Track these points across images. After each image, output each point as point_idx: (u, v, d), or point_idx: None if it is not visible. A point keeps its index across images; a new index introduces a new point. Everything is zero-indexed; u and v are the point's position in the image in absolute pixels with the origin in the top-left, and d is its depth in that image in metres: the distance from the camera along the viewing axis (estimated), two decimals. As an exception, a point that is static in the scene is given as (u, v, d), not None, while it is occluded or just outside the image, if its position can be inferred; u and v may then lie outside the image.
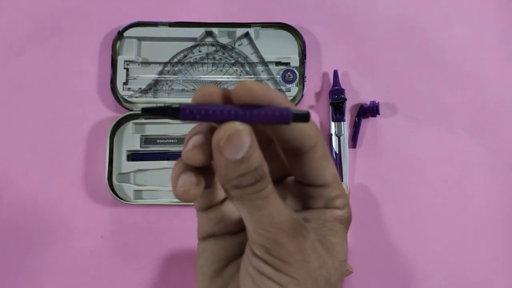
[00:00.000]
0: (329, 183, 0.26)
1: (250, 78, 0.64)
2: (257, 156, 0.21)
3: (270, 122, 0.22)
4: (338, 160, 0.62)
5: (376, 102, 0.62)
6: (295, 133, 0.24)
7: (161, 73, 0.64)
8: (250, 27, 0.64)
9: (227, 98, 0.22)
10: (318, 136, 0.25)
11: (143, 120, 0.62)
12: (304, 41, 0.64)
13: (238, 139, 0.21)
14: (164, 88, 0.64)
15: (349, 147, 0.62)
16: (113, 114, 0.63)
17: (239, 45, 0.64)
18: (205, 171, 0.23)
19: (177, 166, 0.23)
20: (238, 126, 0.21)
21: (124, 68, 0.63)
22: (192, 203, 0.28)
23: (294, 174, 0.26)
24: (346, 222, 0.26)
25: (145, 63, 0.64)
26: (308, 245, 0.23)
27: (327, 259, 0.24)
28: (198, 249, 0.27)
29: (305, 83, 0.63)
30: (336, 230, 0.25)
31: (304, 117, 0.22)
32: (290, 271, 0.22)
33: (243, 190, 0.22)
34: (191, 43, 0.64)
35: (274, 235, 0.22)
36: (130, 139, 0.62)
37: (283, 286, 0.22)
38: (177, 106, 0.21)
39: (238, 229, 0.27)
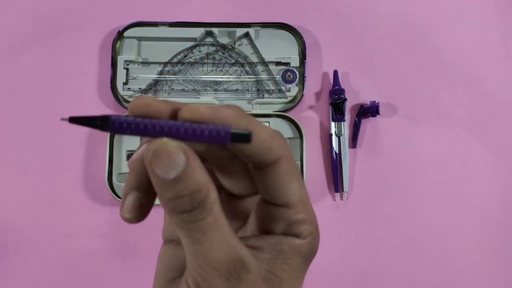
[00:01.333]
0: (292, 203, 0.23)
1: (250, 78, 0.64)
2: (196, 179, 0.20)
3: (207, 141, 0.20)
4: (338, 160, 0.62)
5: (376, 102, 0.62)
6: (255, 147, 0.22)
7: (161, 73, 0.64)
8: (250, 27, 0.64)
9: (167, 112, 0.21)
10: (282, 149, 0.23)
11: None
12: (304, 41, 0.64)
13: (167, 156, 0.19)
14: (164, 88, 0.64)
15: (349, 147, 0.62)
16: (113, 114, 0.63)
17: (239, 45, 0.64)
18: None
19: (128, 180, 0.22)
20: (166, 142, 0.20)
21: (124, 68, 0.63)
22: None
23: (259, 191, 0.24)
24: (307, 254, 0.23)
25: (145, 63, 0.64)
26: None
27: None
28: (160, 252, 0.26)
29: (305, 83, 0.63)
30: (290, 264, 0.23)
31: (244, 137, 0.20)
32: None
33: (179, 216, 0.20)
34: (191, 43, 0.64)
35: (206, 273, 0.20)
36: (130, 139, 0.62)
37: None
38: (106, 117, 0.20)
39: None
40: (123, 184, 0.61)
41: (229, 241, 0.21)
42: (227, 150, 0.23)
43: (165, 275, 0.24)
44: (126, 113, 0.21)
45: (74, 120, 0.20)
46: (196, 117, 0.20)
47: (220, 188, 0.25)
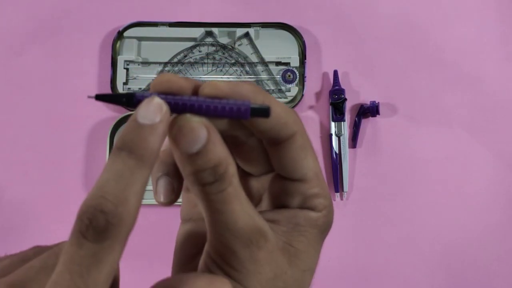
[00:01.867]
0: (307, 178, 0.24)
1: (250, 78, 0.64)
2: (217, 153, 0.21)
3: (228, 116, 0.21)
4: (338, 160, 0.62)
5: (376, 102, 0.62)
6: (272, 123, 0.22)
7: (161, 73, 0.64)
8: (250, 27, 0.64)
9: (189, 89, 0.22)
10: (296, 125, 0.23)
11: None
12: (304, 41, 0.64)
13: (191, 132, 0.20)
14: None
15: (349, 147, 0.62)
16: (113, 114, 0.63)
17: (239, 45, 0.64)
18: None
19: (155, 167, 0.23)
20: (190, 118, 0.20)
21: (124, 68, 0.63)
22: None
23: (274, 166, 0.25)
24: (322, 227, 0.24)
25: (145, 63, 0.64)
26: (263, 255, 0.22)
27: (286, 268, 0.23)
28: (178, 232, 0.27)
29: (305, 83, 0.63)
30: (307, 236, 0.23)
31: (263, 112, 0.21)
32: (239, 278, 0.22)
33: (202, 188, 0.21)
34: (191, 43, 0.64)
35: (227, 241, 0.21)
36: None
37: None
38: (131, 94, 0.21)
39: None
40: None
41: (248, 211, 0.22)
42: (243, 129, 0.23)
43: (185, 252, 0.25)
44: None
45: (100, 97, 0.21)
46: (216, 93, 0.21)
47: (236, 167, 0.26)
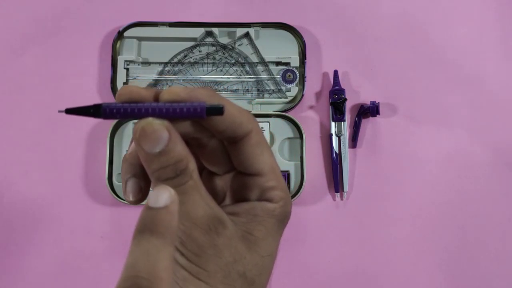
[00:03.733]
0: (263, 172, 0.26)
1: (250, 78, 0.64)
2: (178, 151, 0.23)
3: (187, 117, 0.23)
4: (338, 160, 0.62)
5: (376, 102, 0.62)
6: (227, 123, 0.24)
7: (161, 73, 0.64)
8: (250, 27, 0.64)
9: (150, 97, 0.24)
10: (251, 123, 0.25)
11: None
12: (304, 41, 0.64)
13: (153, 133, 0.22)
14: (164, 88, 0.63)
15: (349, 147, 0.62)
16: (113, 114, 0.63)
17: (239, 45, 0.64)
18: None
19: (124, 167, 0.26)
20: (152, 121, 0.23)
21: (124, 68, 0.63)
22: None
23: (234, 163, 0.27)
24: (280, 217, 0.26)
25: (145, 63, 0.64)
26: (221, 241, 0.24)
27: (245, 254, 0.25)
28: None
29: (305, 83, 0.63)
30: (265, 225, 0.26)
31: (218, 110, 0.23)
32: (200, 263, 0.24)
33: (164, 183, 0.23)
34: (191, 43, 0.64)
35: (188, 229, 0.23)
36: (130, 140, 0.62)
37: (193, 276, 0.23)
38: (98, 105, 0.23)
39: None
40: (123, 184, 0.61)
41: (207, 202, 0.24)
42: (204, 131, 0.26)
43: None
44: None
45: (70, 111, 0.24)
46: (175, 97, 0.23)
47: (202, 169, 0.28)
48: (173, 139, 0.23)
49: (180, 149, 0.23)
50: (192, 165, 0.23)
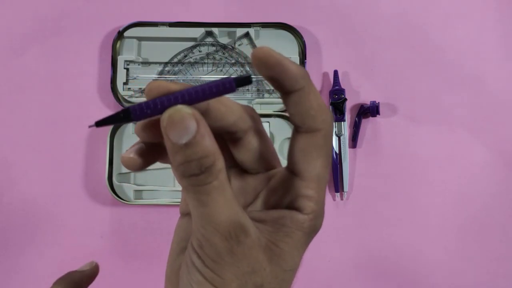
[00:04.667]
0: (307, 176, 0.24)
1: (250, 78, 0.64)
2: (205, 145, 0.21)
3: (218, 93, 0.22)
4: (338, 160, 0.62)
5: (376, 102, 0.62)
6: (304, 108, 0.23)
7: (161, 73, 0.64)
8: (250, 27, 0.64)
9: (178, 90, 0.23)
10: (324, 124, 0.24)
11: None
12: (304, 41, 0.64)
13: (181, 122, 0.21)
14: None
15: (349, 147, 0.62)
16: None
17: (239, 45, 0.64)
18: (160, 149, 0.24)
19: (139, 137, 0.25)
20: (180, 108, 0.21)
21: (124, 68, 0.63)
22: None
23: (288, 160, 0.25)
24: (308, 230, 0.24)
25: (145, 63, 0.64)
26: (241, 250, 0.23)
27: (265, 265, 0.23)
28: (176, 225, 0.28)
29: (305, 83, 0.63)
30: (292, 237, 0.24)
31: (246, 79, 0.23)
32: (216, 269, 0.23)
33: (188, 180, 0.22)
34: (191, 43, 0.64)
35: (208, 233, 0.22)
36: (130, 139, 0.62)
37: (208, 281, 0.23)
38: (126, 109, 0.22)
39: None
40: (123, 184, 0.61)
41: (232, 206, 0.22)
42: (245, 123, 0.25)
43: (179, 244, 0.27)
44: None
45: (100, 123, 0.23)
46: (269, 59, 0.22)
47: (234, 165, 0.27)
48: (201, 132, 0.21)
49: (208, 144, 0.21)
50: (220, 164, 0.22)
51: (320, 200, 0.24)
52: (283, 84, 0.23)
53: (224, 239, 0.22)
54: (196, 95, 0.22)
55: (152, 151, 0.25)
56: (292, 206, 0.24)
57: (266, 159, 0.27)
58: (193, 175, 0.21)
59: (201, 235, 0.22)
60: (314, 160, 0.24)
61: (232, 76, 0.22)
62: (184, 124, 0.21)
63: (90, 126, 0.23)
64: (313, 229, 0.25)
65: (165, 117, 0.21)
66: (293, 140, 0.25)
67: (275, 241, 0.24)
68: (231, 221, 0.22)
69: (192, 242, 0.23)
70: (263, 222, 0.24)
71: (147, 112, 0.22)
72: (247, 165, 0.27)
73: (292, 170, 0.25)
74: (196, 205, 0.22)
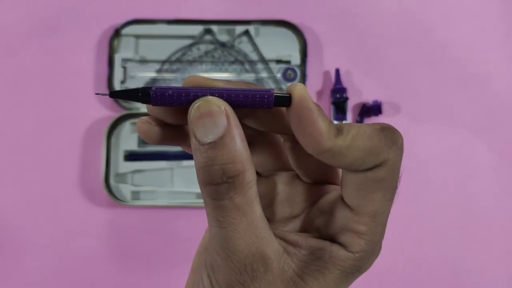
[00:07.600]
0: (361, 210, 0.20)
1: (250, 76, 0.63)
2: (234, 149, 0.18)
3: (251, 104, 0.19)
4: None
5: (379, 101, 0.61)
6: (349, 158, 0.19)
7: (159, 71, 0.63)
8: (250, 25, 0.63)
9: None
10: (388, 153, 0.20)
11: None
12: (305, 39, 0.63)
13: (209, 115, 0.18)
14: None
15: (351, 147, 0.61)
16: (110, 113, 0.62)
17: (238, 43, 0.63)
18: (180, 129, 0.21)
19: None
20: (210, 99, 0.18)
21: (122, 67, 0.62)
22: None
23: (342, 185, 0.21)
24: (349, 270, 0.20)
25: (143, 61, 0.63)
26: (256, 286, 0.19)
27: None
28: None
29: (306, 81, 0.62)
30: (325, 275, 0.19)
31: (285, 100, 0.19)
32: None
33: (206, 189, 0.18)
34: (190, 41, 0.63)
35: (220, 259, 0.19)
36: (128, 139, 0.61)
37: None
38: (147, 88, 0.19)
39: None
40: (120, 185, 0.60)
41: (256, 233, 0.19)
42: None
43: (203, 241, 0.23)
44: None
45: (114, 94, 0.20)
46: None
47: (286, 169, 0.24)
48: (231, 132, 0.18)
49: (238, 148, 0.18)
50: (248, 176, 0.18)
51: (374, 239, 0.20)
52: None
53: (237, 272, 0.19)
54: (228, 97, 0.19)
55: (173, 131, 0.21)
56: (337, 239, 0.20)
57: (325, 170, 0.22)
58: (212, 184, 0.18)
59: (212, 257, 0.19)
60: (372, 194, 0.20)
61: (273, 91, 0.19)
62: (212, 119, 0.18)
63: (98, 94, 0.22)
64: (357, 270, 0.20)
65: (192, 108, 0.18)
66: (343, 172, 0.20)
67: (301, 274, 0.19)
68: (250, 252, 0.18)
69: (206, 257, 0.20)
70: (296, 246, 0.20)
71: (168, 99, 0.19)
72: (303, 172, 0.23)
73: (344, 200, 0.20)
74: (213, 222, 0.19)
